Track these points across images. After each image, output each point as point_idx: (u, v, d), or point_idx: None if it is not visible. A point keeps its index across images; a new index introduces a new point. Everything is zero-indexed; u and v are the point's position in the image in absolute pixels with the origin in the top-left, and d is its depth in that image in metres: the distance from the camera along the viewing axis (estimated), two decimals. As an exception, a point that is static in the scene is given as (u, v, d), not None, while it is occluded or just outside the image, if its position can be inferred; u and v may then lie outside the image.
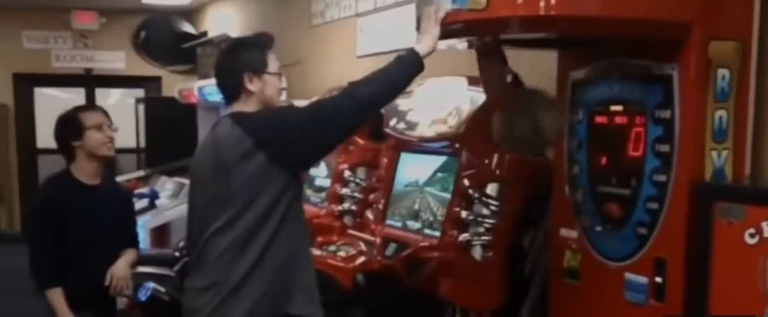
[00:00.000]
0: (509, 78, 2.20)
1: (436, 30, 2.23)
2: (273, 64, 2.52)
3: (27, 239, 3.08)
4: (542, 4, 1.93)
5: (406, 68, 2.40)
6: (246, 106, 2.50)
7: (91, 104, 3.28)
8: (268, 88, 2.50)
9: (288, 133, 2.37)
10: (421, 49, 2.31)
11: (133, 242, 3.26)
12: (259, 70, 2.48)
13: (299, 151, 2.38)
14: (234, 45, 2.65)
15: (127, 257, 3.14)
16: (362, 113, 2.45)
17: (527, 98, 2.19)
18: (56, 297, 2.94)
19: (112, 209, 3.14)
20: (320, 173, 3.95)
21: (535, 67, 2.87)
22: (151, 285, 3.76)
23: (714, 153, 2.07)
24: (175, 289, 3.77)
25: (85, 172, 3.06)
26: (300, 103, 4.33)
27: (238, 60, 2.52)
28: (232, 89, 2.51)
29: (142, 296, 3.82)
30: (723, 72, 2.06)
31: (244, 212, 2.37)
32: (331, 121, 2.39)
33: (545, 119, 2.21)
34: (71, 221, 2.97)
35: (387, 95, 2.49)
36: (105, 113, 3.17)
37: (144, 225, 5.63)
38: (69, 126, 3.07)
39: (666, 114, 2.07)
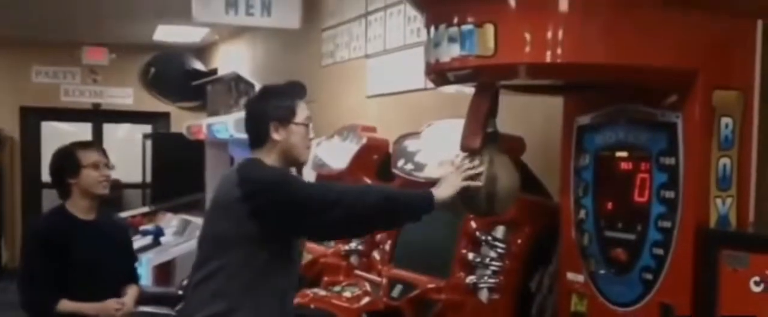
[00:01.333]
0: (490, 128, 2.23)
1: (457, 180, 2.27)
2: (301, 114, 2.50)
3: (19, 271, 3.09)
4: (549, 52, 1.97)
5: (416, 200, 2.35)
6: (269, 154, 2.48)
7: (89, 141, 3.29)
8: (294, 137, 2.48)
9: (276, 203, 2.33)
10: (439, 194, 2.31)
11: (133, 277, 3.27)
12: (286, 119, 2.47)
13: (280, 224, 2.35)
14: (264, 91, 2.65)
15: (132, 293, 3.15)
16: (350, 224, 2.38)
17: (492, 153, 2.21)
18: (65, 304, 2.95)
19: (109, 244, 3.15)
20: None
21: (543, 111, 2.92)
22: None
23: (718, 200, 2.09)
24: None
25: (80, 208, 3.08)
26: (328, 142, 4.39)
27: (266, 107, 2.51)
28: (257, 136, 2.50)
29: None
30: (726, 120, 2.10)
31: (216, 260, 2.38)
32: (318, 214, 2.32)
33: (498, 181, 2.21)
34: (67, 256, 2.98)
35: (383, 219, 2.40)
36: (102, 151, 3.19)
37: (148, 262, 5.64)
38: (66, 163, 3.09)
39: (671, 161, 2.11)
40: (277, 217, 2.35)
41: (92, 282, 3.03)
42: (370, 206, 2.33)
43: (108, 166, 3.13)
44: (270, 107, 2.50)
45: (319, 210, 2.33)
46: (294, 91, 2.60)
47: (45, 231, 3.06)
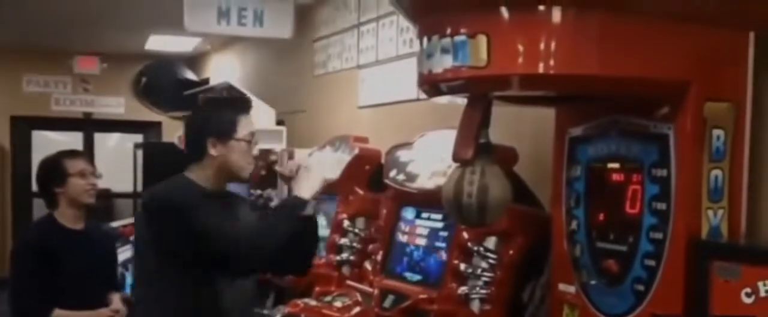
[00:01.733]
0: (482, 139, 2.24)
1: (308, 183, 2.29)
2: (243, 130, 2.41)
3: (10, 280, 3.07)
4: (542, 63, 1.98)
5: (290, 213, 2.33)
6: (205, 170, 2.43)
7: (75, 150, 3.29)
8: (233, 154, 2.40)
9: (173, 232, 2.28)
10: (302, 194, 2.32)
11: (116, 285, 3.27)
12: (225, 134, 2.38)
13: (174, 252, 2.30)
14: (204, 104, 2.63)
15: (117, 300, 3.15)
16: (246, 257, 2.32)
17: (484, 164, 2.22)
18: (59, 314, 2.93)
19: (98, 253, 3.14)
20: (320, 222, 3.96)
21: (534, 123, 2.93)
22: None
23: (710, 212, 2.10)
24: None
25: (68, 217, 3.06)
26: (303, 152, 4.40)
27: (204, 120, 2.45)
28: (193, 150, 2.43)
29: None
30: (718, 132, 2.10)
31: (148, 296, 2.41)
32: (218, 247, 2.27)
33: (490, 192, 2.22)
34: (57, 266, 2.97)
35: (272, 241, 2.32)
36: (89, 160, 3.18)
37: (139, 271, 5.61)
38: (52, 172, 3.07)
39: (662, 173, 2.11)
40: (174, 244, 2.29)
41: (81, 291, 3.02)
42: (275, 234, 2.27)
43: (94, 174, 3.12)
44: (209, 119, 2.44)
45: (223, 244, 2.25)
46: (237, 105, 2.51)
47: (35, 242, 3.05)
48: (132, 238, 6.25)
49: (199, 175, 2.45)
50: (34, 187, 8.68)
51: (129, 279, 5.69)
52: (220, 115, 2.44)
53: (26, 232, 3.29)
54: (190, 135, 2.47)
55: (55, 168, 3.08)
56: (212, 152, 2.40)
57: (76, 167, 3.08)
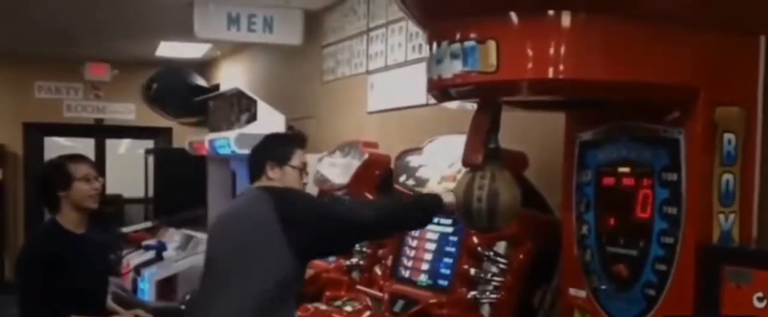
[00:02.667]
0: (492, 144, 2.24)
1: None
2: (297, 159, 2.81)
3: (19, 290, 3.07)
4: (551, 68, 1.98)
5: (430, 206, 2.65)
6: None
7: (78, 154, 3.28)
8: (287, 178, 2.78)
9: (310, 224, 2.59)
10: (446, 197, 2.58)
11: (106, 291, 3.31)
12: (282, 161, 2.78)
13: (313, 245, 2.61)
14: (269, 135, 3.00)
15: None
16: (375, 232, 2.81)
17: (493, 169, 2.22)
18: None
19: (99, 257, 3.17)
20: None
21: (543, 127, 2.93)
22: None
23: (721, 216, 2.09)
24: (119, 288, 3.91)
25: (71, 221, 3.06)
26: (312, 157, 4.40)
27: (267, 147, 2.85)
28: (255, 171, 2.81)
29: None
30: (729, 136, 2.10)
31: (246, 282, 2.58)
32: (347, 231, 2.65)
33: (500, 197, 2.23)
34: (63, 271, 2.98)
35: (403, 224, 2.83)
36: (92, 164, 3.18)
37: (150, 277, 5.63)
38: (56, 175, 3.07)
39: (673, 177, 2.11)
40: (317, 239, 2.61)
41: (85, 296, 3.04)
42: (394, 221, 2.73)
43: (98, 179, 3.12)
44: (270, 147, 2.85)
45: (349, 229, 2.66)
46: (296, 139, 3.08)
47: (44, 249, 3.05)
48: (144, 243, 6.31)
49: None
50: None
51: (140, 284, 5.72)
52: (281, 144, 2.87)
53: (31, 239, 3.24)
54: (253, 156, 2.84)
55: (59, 172, 3.07)
56: (270, 173, 2.77)
57: (81, 172, 3.08)
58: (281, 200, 2.63)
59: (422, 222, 2.76)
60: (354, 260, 3.62)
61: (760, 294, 1.88)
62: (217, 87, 8.27)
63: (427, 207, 2.64)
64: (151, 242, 6.29)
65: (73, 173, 3.02)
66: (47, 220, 3.14)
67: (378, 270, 3.34)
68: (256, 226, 2.63)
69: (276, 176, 2.76)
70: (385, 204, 2.92)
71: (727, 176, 2.10)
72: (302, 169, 2.84)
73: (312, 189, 4.30)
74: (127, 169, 9.57)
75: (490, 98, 2.22)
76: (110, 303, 3.25)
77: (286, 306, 2.68)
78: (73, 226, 3.06)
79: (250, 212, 2.69)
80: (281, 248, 2.55)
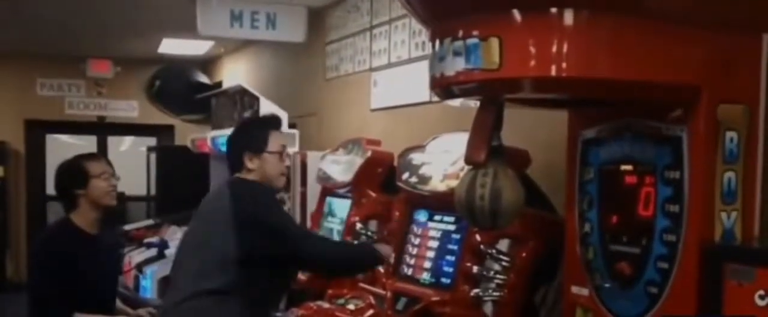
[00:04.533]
0: (495, 142, 2.24)
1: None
2: (273, 144, 2.76)
3: (30, 289, 3.06)
4: (554, 66, 1.98)
5: (366, 257, 2.85)
6: (247, 177, 2.78)
7: (94, 153, 3.31)
8: (267, 165, 2.76)
9: (261, 232, 2.60)
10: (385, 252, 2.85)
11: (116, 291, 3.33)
12: (259, 149, 2.73)
13: (254, 253, 2.61)
14: (241, 123, 2.97)
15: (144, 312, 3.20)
16: (309, 266, 2.94)
17: (496, 167, 2.22)
18: None
19: (111, 258, 3.16)
20: (334, 224, 3.98)
21: (547, 125, 2.93)
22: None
23: (723, 214, 2.09)
24: (121, 286, 3.85)
25: (87, 221, 3.06)
26: (315, 154, 4.41)
27: (240, 138, 2.80)
28: (234, 164, 2.79)
29: None
30: (731, 134, 2.10)
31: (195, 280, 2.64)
32: (286, 253, 2.64)
33: (503, 195, 2.22)
34: (75, 271, 2.97)
35: (337, 267, 2.88)
36: (108, 162, 3.18)
37: (152, 275, 5.63)
38: (74, 174, 3.07)
39: (675, 175, 2.11)
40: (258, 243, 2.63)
41: (96, 296, 3.03)
42: (330, 259, 2.79)
43: (114, 176, 3.13)
44: (244, 137, 2.80)
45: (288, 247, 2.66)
46: (269, 122, 2.91)
47: (58, 247, 3.04)
48: (146, 241, 6.32)
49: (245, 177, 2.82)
50: (49, 190, 8.82)
51: (142, 282, 5.73)
52: (254, 131, 2.81)
53: (45, 238, 3.24)
54: (230, 150, 2.81)
55: (77, 170, 3.08)
56: (249, 164, 2.74)
57: (98, 169, 3.08)
58: (240, 201, 2.62)
59: (352, 274, 2.96)
60: (356, 257, 3.63)
61: (761, 292, 1.88)
62: (219, 84, 8.28)
63: (363, 263, 2.81)
64: (153, 239, 6.29)
65: (90, 171, 3.04)
66: (61, 218, 3.14)
67: (380, 268, 3.35)
68: (212, 225, 2.63)
69: (255, 166, 2.74)
70: (333, 247, 2.98)
71: (730, 174, 2.10)
72: (281, 152, 2.80)
73: (315, 187, 4.31)
74: (130, 166, 9.53)
75: (492, 95, 2.22)
76: (119, 304, 3.26)
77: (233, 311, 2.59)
78: (87, 226, 3.07)
79: (211, 209, 2.70)
80: (231, 250, 2.56)
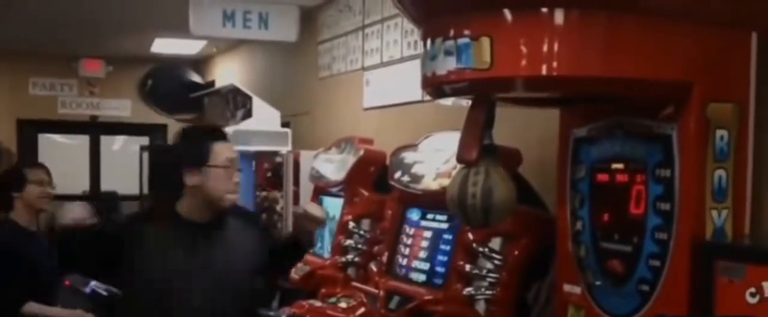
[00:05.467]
0: (486, 140, 2.25)
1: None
2: (219, 157, 2.39)
3: None
4: (545, 65, 1.99)
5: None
6: (187, 200, 2.43)
7: (38, 163, 3.87)
8: (211, 182, 2.37)
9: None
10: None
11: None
12: (200, 161, 2.37)
13: None
14: (177, 135, 2.56)
15: None
16: None
17: (488, 165, 2.23)
18: (32, 307, 3.27)
19: (47, 252, 3.39)
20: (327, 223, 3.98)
21: (538, 124, 2.93)
22: (93, 283, 3.97)
23: (714, 212, 2.10)
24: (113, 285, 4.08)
25: (23, 220, 3.43)
26: (308, 153, 4.41)
27: (177, 151, 2.48)
28: (170, 184, 2.40)
29: (88, 290, 3.97)
30: (721, 132, 2.11)
31: None
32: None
33: (495, 193, 2.23)
34: (17, 262, 3.33)
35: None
36: (47, 172, 3.57)
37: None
38: (12, 178, 3.47)
39: (666, 173, 2.12)
40: None
41: (37, 286, 3.34)
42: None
43: (50, 184, 3.52)
44: (181, 151, 2.46)
45: None
46: (210, 133, 2.50)
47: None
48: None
49: (182, 206, 2.46)
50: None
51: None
52: (192, 144, 2.45)
53: None
54: (163, 169, 2.59)
55: (15, 176, 3.47)
56: (188, 181, 2.39)
57: (34, 176, 3.46)
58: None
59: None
60: (349, 256, 3.63)
61: (752, 290, 1.89)
62: (212, 83, 8.27)
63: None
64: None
65: (27, 176, 3.45)
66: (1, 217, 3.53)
67: (373, 267, 3.35)
68: None
69: (197, 181, 2.37)
70: None
71: (720, 172, 2.11)
72: (228, 167, 2.41)
73: (307, 185, 4.31)
74: (122, 166, 9.54)
75: (484, 94, 2.23)
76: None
77: None
78: (25, 223, 3.45)
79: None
80: None
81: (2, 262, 3.31)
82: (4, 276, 3.27)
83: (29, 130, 9.59)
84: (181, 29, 5.49)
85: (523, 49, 1.97)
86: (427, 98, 2.51)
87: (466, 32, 2.02)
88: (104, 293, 4.05)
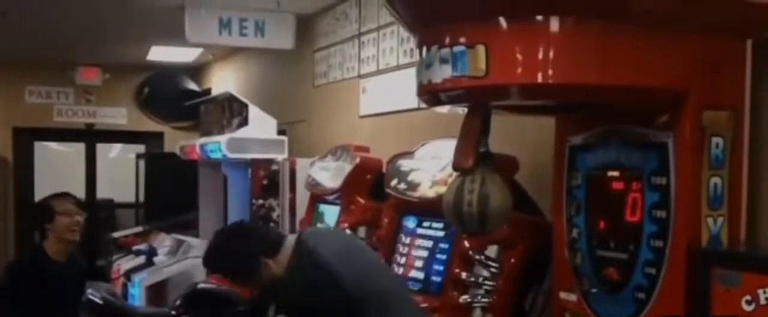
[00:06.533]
0: (482, 148, 2.25)
1: None
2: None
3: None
4: (540, 73, 1.99)
5: None
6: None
7: (64, 192, 3.72)
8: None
9: None
10: None
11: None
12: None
13: None
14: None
15: None
16: None
17: (484, 173, 2.23)
18: None
19: (73, 283, 3.54)
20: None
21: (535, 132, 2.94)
22: (89, 291, 4.03)
23: (710, 219, 2.11)
24: (109, 294, 4.23)
25: (54, 251, 3.47)
26: (304, 161, 4.41)
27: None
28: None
29: (83, 298, 3.99)
30: (717, 140, 2.11)
31: None
32: None
33: (491, 201, 2.23)
34: (41, 292, 3.35)
35: None
36: (75, 201, 3.58)
37: (141, 282, 5.61)
38: (41, 211, 3.51)
39: (662, 181, 2.12)
40: None
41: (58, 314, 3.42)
42: None
43: (80, 213, 3.51)
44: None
45: None
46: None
47: (27, 269, 3.50)
48: (134, 248, 6.29)
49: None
50: (36, 197, 8.82)
51: (131, 289, 5.71)
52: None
53: (19, 260, 3.80)
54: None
55: (43, 208, 3.50)
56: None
57: (62, 207, 3.46)
58: None
59: None
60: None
61: (748, 297, 1.90)
62: (208, 91, 8.26)
63: None
64: (142, 247, 6.26)
65: (55, 208, 3.46)
66: (35, 245, 3.65)
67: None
68: None
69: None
70: None
71: (715, 180, 2.11)
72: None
73: (303, 193, 4.31)
74: (118, 173, 9.54)
75: (479, 102, 2.23)
76: None
77: None
78: (54, 254, 3.47)
79: None
80: None
81: (24, 291, 3.36)
82: (24, 303, 3.32)
83: (25, 138, 9.57)
84: (177, 37, 5.49)
85: (519, 57, 1.98)
86: (423, 105, 2.51)
87: (462, 40, 2.02)
88: (99, 301, 4.06)
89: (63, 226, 3.44)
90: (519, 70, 1.99)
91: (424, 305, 2.86)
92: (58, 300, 3.41)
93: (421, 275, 3.06)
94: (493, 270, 2.75)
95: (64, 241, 3.47)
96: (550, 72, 1.98)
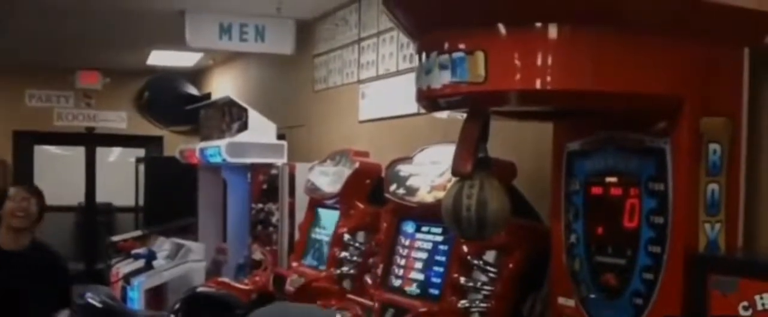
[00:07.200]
0: (481, 153, 2.26)
1: None
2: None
3: None
4: (539, 79, 2.00)
5: None
6: None
7: (28, 184, 3.84)
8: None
9: None
10: None
11: (63, 303, 3.54)
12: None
13: None
14: None
15: None
16: None
17: (483, 178, 2.24)
18: None
19: (35, 274, 3.43)
20: (322, 235, 3.98)
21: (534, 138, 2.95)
22: (88, 294, 3.97)
23: (707, 226, 2.11)
24: (108, 297, 4.13)
25: (4, 239, 3.44)
26: (303, 165, 4.42)
27: None
28: None
29: (81, 301, 3.95)
30: (714, 146, 2.12)
31: None
32: None
33: (489, 206, 2.23)
34: None
35: None
36: (29, 189, 3.56)
37: (139, 286, 5.61)
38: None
39: (659, 187, 2.13)
40: None
41: (13, 309, 3.30)
42: None
43: (26, 199, 3.45)
44: None
45: None
46: None
47: None
48: (133, 252, 6.30)
49: None
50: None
51: (130, 293, 5.71)
52: None
53: None
54: None
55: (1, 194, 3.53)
56: None
57: (12, 193, 3.48)
58: None
59: None
60: (345, 269, 3.63)
61: (745, 303, 1.90)
62: (208, 96, 8.28)
63: None
64: (141, 250, 6.27)
65: (9, 194, 3.47)
66: None
67: (368, 279, 3.35)
68: None
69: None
70: None
71: (713, 186, 2.12)
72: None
73: (303, 198, 4.32)
74: (118, 177, 9.55)
75: (478, 108, 2.24)
76: None
77: None
78: (5, 243, 3.45)
79: None
80: None
81: None
82: None
83: (25, 141, 9.59)
84: (177, 42, 5.51)
85: (517, 63, 1.99)
86: (423, 111, 2.52)
87: (461, 46, 2.03)
88: (98, 305, 4.05)
89: (7, 211, 3.40)
90: (518, 76, 2.00)
91: (422, 310, 2.87)
92: (8, 290, 3.31)
93: (419, 279, 3.07)
94: (491, 275, 2.76)
95: (12, 229, 3.41)
96: (549, 78, 1.99)
